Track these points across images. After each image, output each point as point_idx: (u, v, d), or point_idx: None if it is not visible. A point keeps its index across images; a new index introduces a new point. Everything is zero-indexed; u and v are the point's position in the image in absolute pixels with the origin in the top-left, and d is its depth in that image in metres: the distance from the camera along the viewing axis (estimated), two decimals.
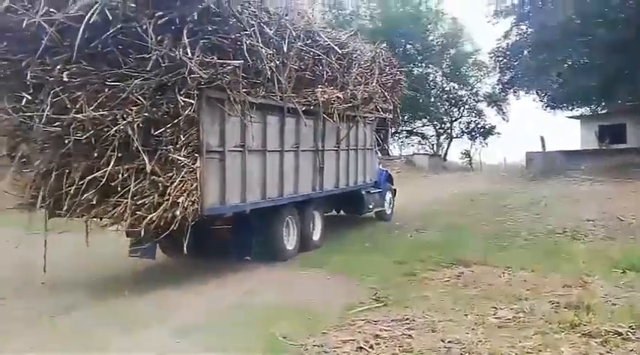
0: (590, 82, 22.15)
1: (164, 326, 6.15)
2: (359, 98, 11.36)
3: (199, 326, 6.27)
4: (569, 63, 22.78)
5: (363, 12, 36.78)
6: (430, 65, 37.90)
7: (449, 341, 5.24)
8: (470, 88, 38.53)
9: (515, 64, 26.10)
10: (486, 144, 38.05)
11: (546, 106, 27.27)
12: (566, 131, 31.71)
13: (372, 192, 13.58)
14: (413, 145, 41.30)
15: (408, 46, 35.46)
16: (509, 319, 5.97)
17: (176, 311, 6.81)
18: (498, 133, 37.74)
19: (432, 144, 41.42)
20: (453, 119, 39.36)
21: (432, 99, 38.38)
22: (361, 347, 5.30)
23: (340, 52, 10.31)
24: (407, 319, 6.11)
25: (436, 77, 39.51)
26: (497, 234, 11.96)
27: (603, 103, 28.38)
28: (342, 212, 13.55)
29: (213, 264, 8.90)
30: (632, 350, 5.02)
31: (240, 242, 9.09)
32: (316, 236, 10.88)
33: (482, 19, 71.58)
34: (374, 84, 12.14)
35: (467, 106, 39.18)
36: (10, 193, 7.64)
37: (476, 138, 38.42)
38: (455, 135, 39.72)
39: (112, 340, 5.68)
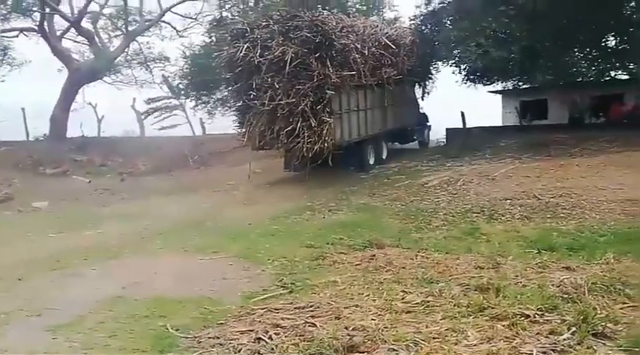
0: (510, 54, 22.74)
1: None
2: (405, 71, 20.64)
3: (79, 321, 6.12)
4: (489, 33, 23.21)
5: None
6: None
7: (353, 329, 5.35)
8: None
9: (436, 34, 26.31)
10: None
11: (466, 80, 27.74)
12: (489, 107, 32.33)
13: (415, 128, 23.29)
14: None
15: (325, 12, 35.15)
16: (417, 303, 6.17)
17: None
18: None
19: None
20: None
21: None
22: (260, 338, 5.34)
23: (393, 46, 19.28)
24: (311, 306, 6.21)
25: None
26: (413, 215, 12.28)
27: (526, 78, 29.09)
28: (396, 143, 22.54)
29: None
30: (538, 332, 5.26)
31: (346, 160, 17.10)
32: (384, 155, 19.86)
33: None
34: (414, 57, 21.55)
35: None
36: (241, 140, 17.27)
37: None
38: None
39: None
